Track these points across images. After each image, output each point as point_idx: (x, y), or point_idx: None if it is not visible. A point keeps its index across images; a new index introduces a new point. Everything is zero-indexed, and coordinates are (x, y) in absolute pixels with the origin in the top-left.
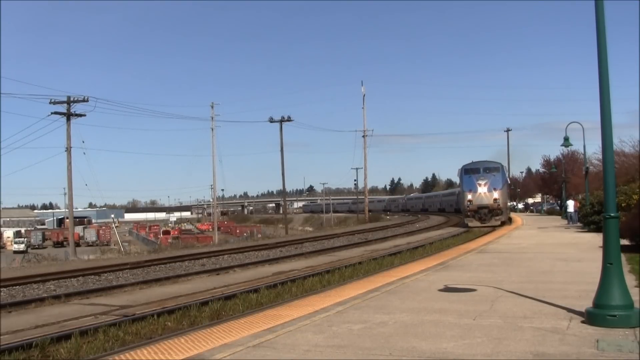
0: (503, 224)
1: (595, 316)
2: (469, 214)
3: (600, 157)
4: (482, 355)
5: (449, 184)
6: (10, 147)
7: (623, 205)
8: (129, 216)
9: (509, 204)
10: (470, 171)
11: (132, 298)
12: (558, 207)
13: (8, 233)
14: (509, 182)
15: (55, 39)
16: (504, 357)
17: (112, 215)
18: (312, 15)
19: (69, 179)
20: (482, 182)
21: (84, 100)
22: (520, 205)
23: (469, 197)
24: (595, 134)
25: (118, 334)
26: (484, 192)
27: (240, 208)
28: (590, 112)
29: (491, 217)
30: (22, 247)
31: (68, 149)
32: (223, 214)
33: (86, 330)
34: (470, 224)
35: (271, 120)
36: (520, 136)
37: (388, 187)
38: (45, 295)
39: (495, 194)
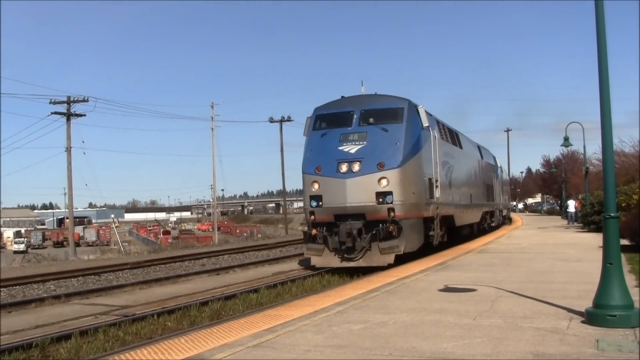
0: (404, 261)
1: (595, 316)
2: (312, 232)
3: (600, 157)
4: (482, 355)
5: None
6: (10, 147)
7: (623, 205)
8: (129, 216)
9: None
10: (328, 121)
11: (132, 298)
12: (558, 207)
13: (8, 233)
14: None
15: (55, 39)
16: (504, 357)
17: (112, 215)
18: (313, 16)
19: (69, 179)
20: (353, 149)
21: (84, 100)
22: (521, 205)
23: (315, 188)
24: (595, 134)
25: (118, 334)
26: (354, 174)
27: (240, 208)
28: (590, 112)
29: (370, 242)
30: (22, 247)
31: (68, 149)
32: (223, 214)
33: (86, 330)
34: (314, 260)
35: (271, 120)
36: (520, 136)
37: None
38: (45, 295)
39: (385, 180)
